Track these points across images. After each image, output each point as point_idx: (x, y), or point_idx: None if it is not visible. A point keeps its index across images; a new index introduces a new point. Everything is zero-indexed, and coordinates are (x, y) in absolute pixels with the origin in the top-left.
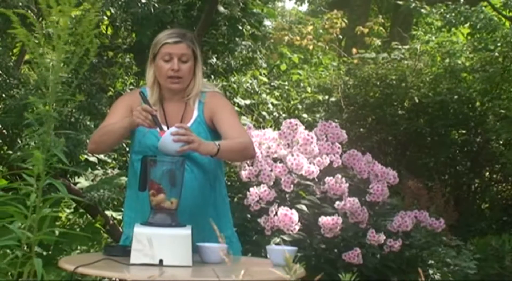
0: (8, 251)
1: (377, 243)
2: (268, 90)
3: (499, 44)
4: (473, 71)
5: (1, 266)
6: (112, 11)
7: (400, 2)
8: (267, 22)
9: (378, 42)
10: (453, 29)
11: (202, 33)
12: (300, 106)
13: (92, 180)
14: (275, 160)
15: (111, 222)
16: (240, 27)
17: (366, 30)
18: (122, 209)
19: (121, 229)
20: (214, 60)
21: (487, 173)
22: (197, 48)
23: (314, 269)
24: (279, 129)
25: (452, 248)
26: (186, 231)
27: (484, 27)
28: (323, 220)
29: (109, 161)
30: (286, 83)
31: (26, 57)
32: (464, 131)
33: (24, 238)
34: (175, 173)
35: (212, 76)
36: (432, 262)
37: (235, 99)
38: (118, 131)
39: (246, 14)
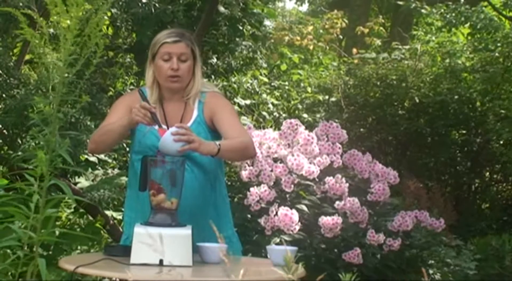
0: (8, 251)
1: (377, 243)
2: (268, 90)
3: (499, 44)
4: (473, 72)
5: (2, 266)
6: (113, 11)
7: (401, 2)
8: (267, 22)
9: (378, 42)
10: (453, 29)
11: (203, 33)
12: (300, 107)
13: (93, 180)
14: (275, 160)
15: (111, 222)
16: (241, 27)
17: (366, 30)
18: (122, 209)
19: (121, 229)
20: (215, 60)
21: (487, 173)
22: (196, 48)
23: (314, 269)
24: (279, 129)
25: (452, 248)
26: (186, 231)
27: (485, 27)
28: (323, 220)
29: (110, 160)
30: (287, 83)
31: (27, 57)
32: (464, 132)
33: (25, 238)
34: (175, 173)
35: (213, 76)
36: (432, 262)
37: (235, 99)
38: (118, 130)
39: (247, 14)
